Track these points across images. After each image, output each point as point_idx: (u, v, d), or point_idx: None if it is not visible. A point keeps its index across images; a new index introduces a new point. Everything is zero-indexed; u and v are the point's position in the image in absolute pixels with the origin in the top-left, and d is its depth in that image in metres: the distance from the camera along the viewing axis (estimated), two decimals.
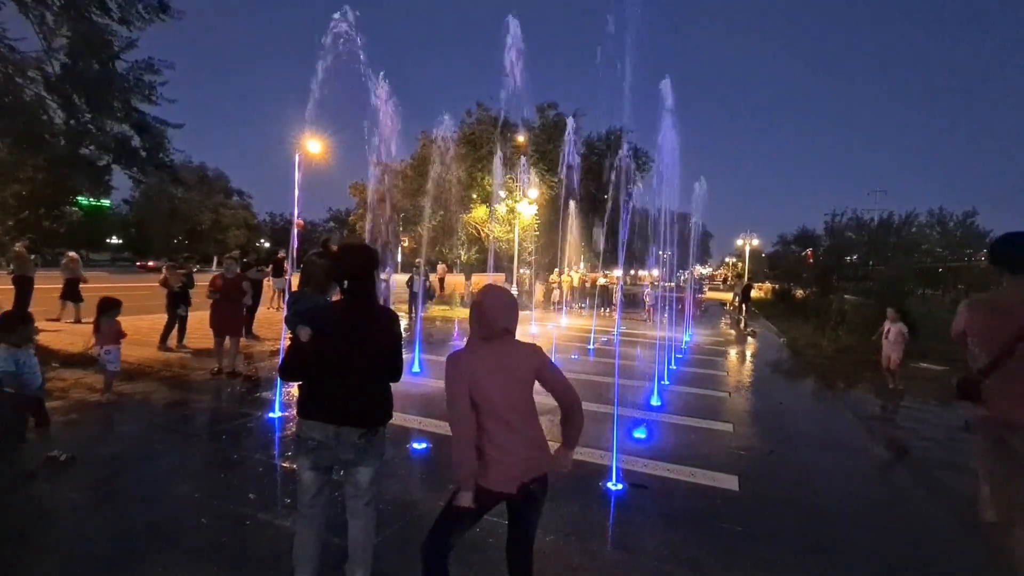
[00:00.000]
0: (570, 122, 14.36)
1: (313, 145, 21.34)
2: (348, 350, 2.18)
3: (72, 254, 9.90)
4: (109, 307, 5.38)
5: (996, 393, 2.44)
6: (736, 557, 3.03)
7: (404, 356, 2.47)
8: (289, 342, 2.42)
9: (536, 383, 2.14)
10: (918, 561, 3.19)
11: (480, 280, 25.26)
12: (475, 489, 1.97)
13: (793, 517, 3.61)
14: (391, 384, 2.36)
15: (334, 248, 7.99)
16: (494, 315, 2.05)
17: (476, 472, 1.97)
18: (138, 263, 49.76)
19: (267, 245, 59.18)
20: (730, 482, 4.12)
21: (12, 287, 8.82)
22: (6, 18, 5.26)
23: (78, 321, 9.45)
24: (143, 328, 8.70)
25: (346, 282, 2.22)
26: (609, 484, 3.93)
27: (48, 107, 5.44)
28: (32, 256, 9.11)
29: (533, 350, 2.14)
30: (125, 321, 5.78)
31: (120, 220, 58.94)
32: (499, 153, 14.69)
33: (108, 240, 58.11)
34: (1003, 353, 2.44)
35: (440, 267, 20.71)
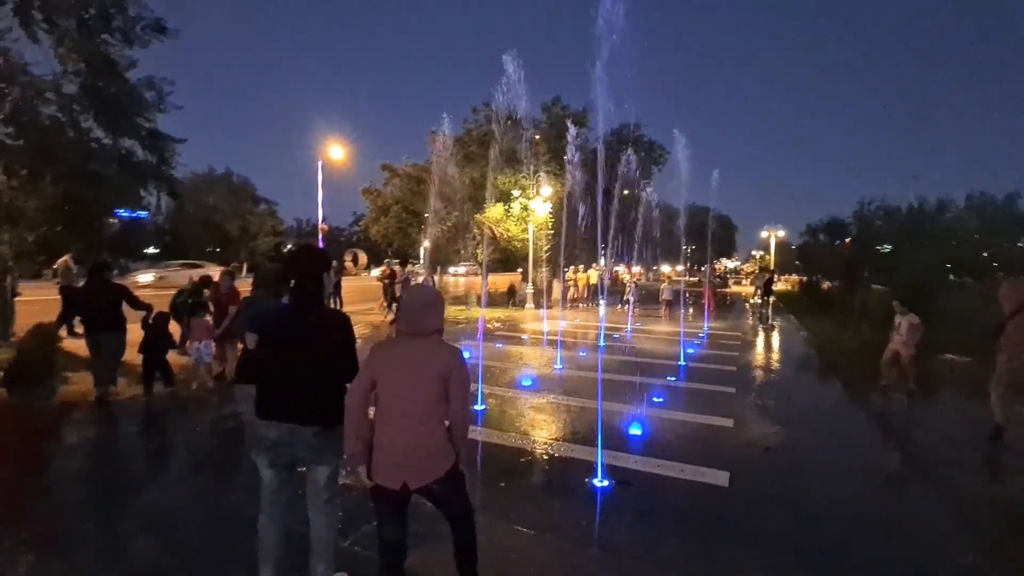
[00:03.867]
0: (572, 130, 14.07)
1: (336, 151, 21.84)
2: (295, 351, 2.24)
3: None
4: (198, 308, 6.14)
5: (1005, 335, 5.14)
6: (710, 556, 2.98)
7: None
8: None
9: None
10: (911, 565, 3.06)
11: (503, 280, 25.33)
12: (370, 482, 2.08)
13: (781, 516, 3.52)
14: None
15: (285, 252, 8.14)
16: (416, 314, 2.12)
17: (361, 453, 2.07)
18: None
19: (286, 249, 60.56)
20: (720, 478, 4.04)
21: (59, 296, 9.42)
22: (24, 47, 5.62)
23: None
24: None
25: (293, 284, 2.28)
26: (595, 481, 3.92)
27: (62, 125, 5.78)
28: (76, 267, 9.70)
29: (451, 354, 2.12)
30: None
31: (156, 229, 61.34)
32: (500, 149, 14.66)
33: (146, 250, 60.57)
34: (1013, 312, 5.09)
35: (394, 267, 14.80)
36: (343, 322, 2.38)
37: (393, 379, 2.04)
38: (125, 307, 5.72)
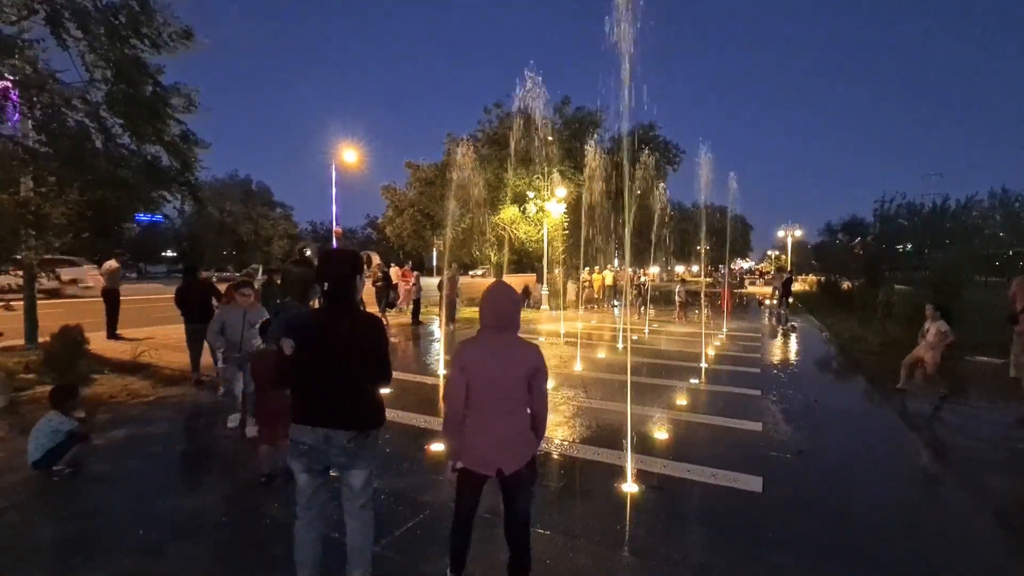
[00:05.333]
0: (589, 143, 13.96)
1: (350, 155, 22.03)
2: (330, 355, 2.21)
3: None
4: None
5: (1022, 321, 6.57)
6: (749, 562, 2.91)
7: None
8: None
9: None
10: (955, 572, 2.96)
11: (517, 282, 25.31)
12: (460, 468, 2.24)
13: (818, 521, 3.43)
14: (384, 387, 2.40)
15: (309, 255, 8.17)
16: (509, 310, 2.25)
17: (460, 444, 2.21)
18: None
19: (308, 253, 61.17)
20: (753, 483, 3.95)
21: (104, 299, 9.49)
22: (50, 54, 5.72)
23: None
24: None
25: (326, 288, 2.25)
26: (624, 485, 3.85)
27: (90, 131, 5.87)
28: (122, 271, 10.03)
29: (536, 351, 2.27)
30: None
31: (174, 234, 62.42)
32: (514, 150, 14.58)
33: (163, 253, 61.63)
34: None
35: (385, 269, 14.55)
36: (376, 324, 2.35)
37: (489, 374, 2.16)
38: None
